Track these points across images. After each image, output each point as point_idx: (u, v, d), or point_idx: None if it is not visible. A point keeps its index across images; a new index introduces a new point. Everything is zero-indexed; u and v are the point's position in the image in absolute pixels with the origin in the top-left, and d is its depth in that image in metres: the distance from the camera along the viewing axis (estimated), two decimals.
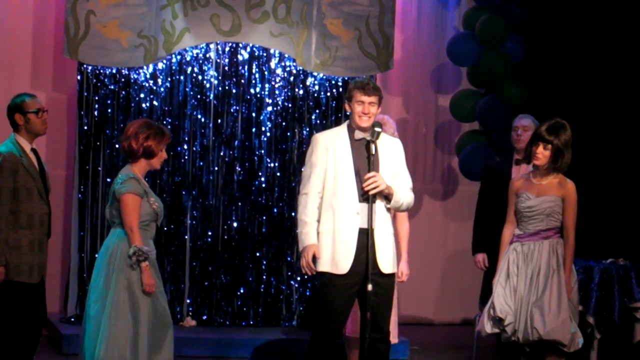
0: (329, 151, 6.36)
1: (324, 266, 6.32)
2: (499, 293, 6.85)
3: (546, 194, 6.82)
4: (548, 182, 6.85)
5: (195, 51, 9.35)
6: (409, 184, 6.48)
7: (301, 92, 9.53)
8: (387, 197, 6.33)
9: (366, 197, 6.26)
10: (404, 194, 6.40)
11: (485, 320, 6.89)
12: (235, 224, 9.41)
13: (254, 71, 9.45)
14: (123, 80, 9.22)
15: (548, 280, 6.75)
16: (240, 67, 9.42)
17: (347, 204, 6.30)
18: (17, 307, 6.63)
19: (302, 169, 6.53)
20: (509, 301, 6.82)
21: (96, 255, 8.99)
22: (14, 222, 6.59)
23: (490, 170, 7.90)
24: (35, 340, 6.80)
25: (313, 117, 9.54)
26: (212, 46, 9.37)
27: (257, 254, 9.43)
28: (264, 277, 9.44)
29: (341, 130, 6.46)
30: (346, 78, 9.46)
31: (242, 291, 9.39)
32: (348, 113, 6.45)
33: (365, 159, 6.35)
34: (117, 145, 9.15)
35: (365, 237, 6.24)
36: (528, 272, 6.82)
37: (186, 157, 9.35)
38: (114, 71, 9.17)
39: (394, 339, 6.89)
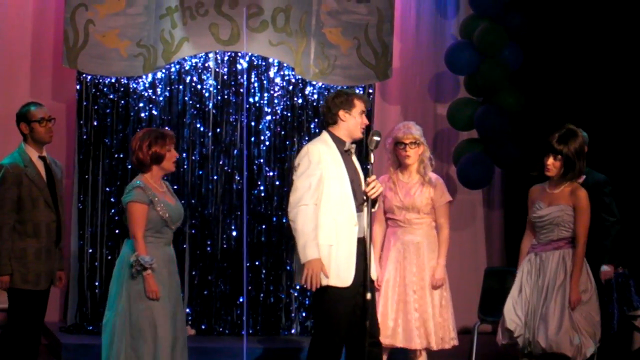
0: (324, 163, 6.37)
1: (328, 280, 6.31)
2: (509, 305, 6.85)
3: (557, 203, 6.77)
4: (560, 191, 6.80)
5: (194, 60, 9.36)
6: None
7: (300, 101, 9.54)
8: (374, 201, 6.41)
9: (361, 206, 6.32)
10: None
11: (500, 331, 6.90)
12: (234, 233, 9.41)
13: (252, 80, 9.46)
14: (122, 89, 9.23)
15: (554, 292, 6.72)
16: (239, 76, 9.44)
17: (348, 216, 6.32)
18: (24, 314, 6.67)
19: (297, 180, 6.36)
20: (519, 312, 6.79)
21: (96, 264, 9.11)
22: (20, 232, 6.64)
23: None
24: (37, 345, 6.84)
25: (312, 126, 9.55)
26: (211, 55, 9.38)
27: (257, 263, 9.44)
28: (264, 286, 9.45)
29: (328, 141, 6.46)
30: (345, 87, 9.48)
31: (241, 300, 9.39)
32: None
33: (354, 169, 6.43)
34: (116, 155, 9.18)
35: (362, 247, 6.28)
36: (540, 283, 6.78)
37: (185, 166, 9.36)
38: (113, 80, 9.19)
39: (453, 341, 7.30)
